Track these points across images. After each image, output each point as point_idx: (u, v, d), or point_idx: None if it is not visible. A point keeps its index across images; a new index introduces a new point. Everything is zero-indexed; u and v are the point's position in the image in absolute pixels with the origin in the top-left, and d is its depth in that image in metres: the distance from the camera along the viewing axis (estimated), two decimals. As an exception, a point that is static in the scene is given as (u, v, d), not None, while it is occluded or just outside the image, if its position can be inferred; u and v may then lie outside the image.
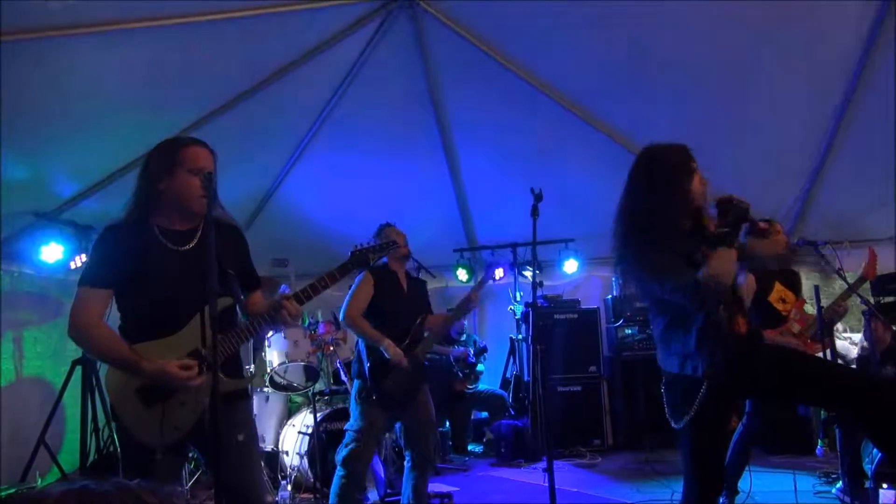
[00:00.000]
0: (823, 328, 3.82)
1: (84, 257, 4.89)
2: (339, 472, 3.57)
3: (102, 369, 3.27)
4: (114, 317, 2.33)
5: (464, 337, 6.76)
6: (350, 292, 3.74)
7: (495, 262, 4.10)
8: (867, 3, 4.11)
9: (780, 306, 4.05)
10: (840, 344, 6.05)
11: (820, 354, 3.76)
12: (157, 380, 2.15)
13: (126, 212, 2.32)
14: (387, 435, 4.69)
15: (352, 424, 3.64)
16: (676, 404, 2.48)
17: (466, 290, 4.27)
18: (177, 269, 2.26)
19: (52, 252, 4.86)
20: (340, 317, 3.76)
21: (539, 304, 6.22)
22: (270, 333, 5.21)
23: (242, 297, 2.46)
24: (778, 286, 4.07)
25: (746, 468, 3.91)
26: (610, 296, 6.92)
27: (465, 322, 6.65)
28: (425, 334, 3.83)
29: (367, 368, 3.64)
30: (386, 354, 3.57)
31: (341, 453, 3.60)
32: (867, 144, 5.15)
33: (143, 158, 2.38)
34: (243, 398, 2.46)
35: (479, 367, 6.81)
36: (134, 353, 2.18)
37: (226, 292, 2.32)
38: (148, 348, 2.20)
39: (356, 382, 3.70)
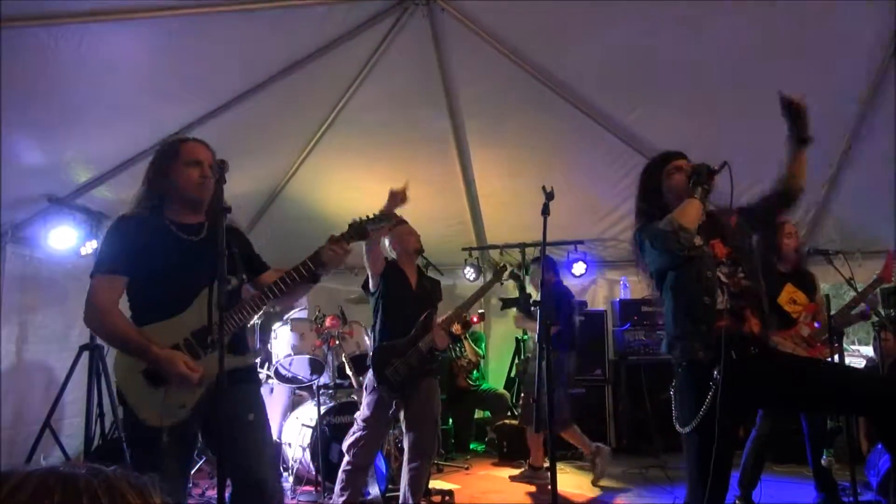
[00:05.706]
0: (834, 335, 3.77)
1: (94, 244, 4.91)
2: (345, 458, 3.76)
3: (111, 355, 3.30)
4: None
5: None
6: None
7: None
8: (882, 1, 4.05)
9: (790, 308, 3.95)
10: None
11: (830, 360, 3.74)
12: (163, 366, 2.20)
13: (137, 204, 2.42)
14: (390, 431, 4.71)
15: (359, 414, 3.82)
16: (684, 407, 2.47)
17: (475, 289, 4.35)
18: (191, 257, 2.34)
19: (63, 237, 4.88)
20: None
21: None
22: (278, 324, 5.23)
23: (253, 279, 2.62)
24: (788, 287, 3.97)
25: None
26: (617, 299, 6.91)
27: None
28: (431, 331, 3.86)
29: (369, 357, 3.81)
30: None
31: (346, 441, 3.76)
32: (883, 153, 5.10)
33: (152, 155, 2.53)
34: (251, 381, 2.53)
35: (481, 345, 6.84)
36: (144, 338, 2.24)
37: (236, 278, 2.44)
38: (156, 329, 2.27)
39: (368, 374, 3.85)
